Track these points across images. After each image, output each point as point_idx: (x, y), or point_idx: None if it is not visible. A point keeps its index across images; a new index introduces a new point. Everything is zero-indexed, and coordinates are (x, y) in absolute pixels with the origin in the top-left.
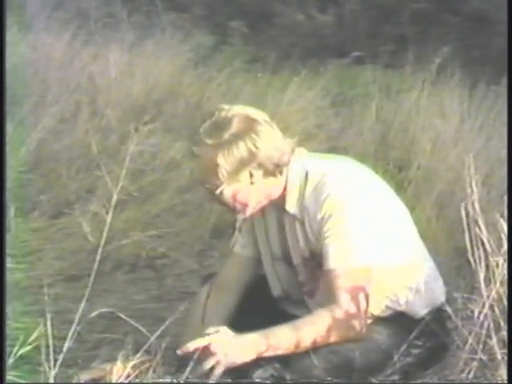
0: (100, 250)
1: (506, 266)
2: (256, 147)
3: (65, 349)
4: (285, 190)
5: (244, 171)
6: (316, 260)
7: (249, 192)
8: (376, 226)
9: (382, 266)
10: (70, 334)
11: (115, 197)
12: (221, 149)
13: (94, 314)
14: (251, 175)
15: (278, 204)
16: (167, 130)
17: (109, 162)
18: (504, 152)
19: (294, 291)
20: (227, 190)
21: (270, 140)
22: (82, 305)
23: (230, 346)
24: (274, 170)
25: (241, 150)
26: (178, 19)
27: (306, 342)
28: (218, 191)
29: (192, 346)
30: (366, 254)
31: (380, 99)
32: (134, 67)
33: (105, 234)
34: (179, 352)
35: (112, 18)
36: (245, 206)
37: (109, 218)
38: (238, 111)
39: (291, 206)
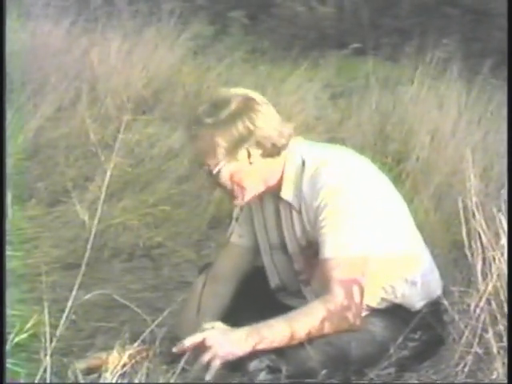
0: (93, 230)
1: (502, 259)
2: (254, 125)
3: (57, 334)
4: (282, 177)
5: (242, 149)
6: (313, 249)
7: (246, 173)
8: (372, 216)
9: (378, 256)
10: (62, 321)
11: (109, 173)
12: (219, 127)
13: (88, 296)
14: (249, 155)
15: (275, 192)
16: (166, 119)
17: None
18: (502, 145)
19: (291, 281)
20: (225, 170)
21: (268, 120)
22: (74, 293)
23: (225, 341)
24: (272, 150)
25: (239, 127)
26: (178, 8)
27: (301, 334)
28: (215, 170)
29: (187, 342)
30: (362, 243)
31: (379, 91)
32: (133, 56)
33: (99, 211)
34: (175, 350)
35: (112, 6)
36: (242, 189)
37: (103, 195)
38: (236, 92)
39: (287, 194)
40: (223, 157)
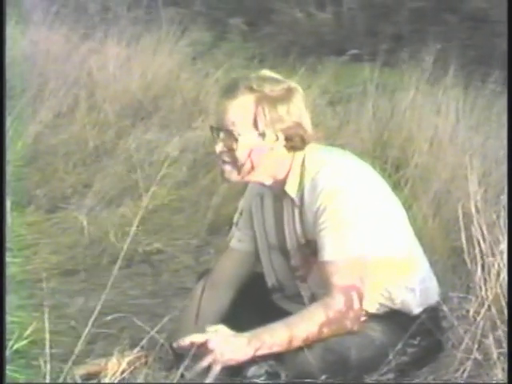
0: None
1: (502, 265)
2: (293, 112)
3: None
4: (288, 174)
5: (272, 131)
6: (311, 247)
7: (264, 155)
8: (371, 220)
9: (376, 261)
10: (86, 332)
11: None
12: (263, 99)
13: (109, 317)
14: (277, 138)
15: (279, 189)
16: (164, 126)
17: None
18: (501, 151)
19: (288, 282)
20: (249, 141)
21: (304, 113)
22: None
23: (227, 346)
24: (296, 144)
25: (280, 108)
26: (176, 15)
27: (299, 339)
28: (241, 136)
29: (188, 340)
30: (361, 247)
31: (377, 97)
32: (132, 62)
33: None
34: (175, 345)
35: (111, 13)
36: (251, 168)
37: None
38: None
39: (291, 189)
40: (257, 127)
